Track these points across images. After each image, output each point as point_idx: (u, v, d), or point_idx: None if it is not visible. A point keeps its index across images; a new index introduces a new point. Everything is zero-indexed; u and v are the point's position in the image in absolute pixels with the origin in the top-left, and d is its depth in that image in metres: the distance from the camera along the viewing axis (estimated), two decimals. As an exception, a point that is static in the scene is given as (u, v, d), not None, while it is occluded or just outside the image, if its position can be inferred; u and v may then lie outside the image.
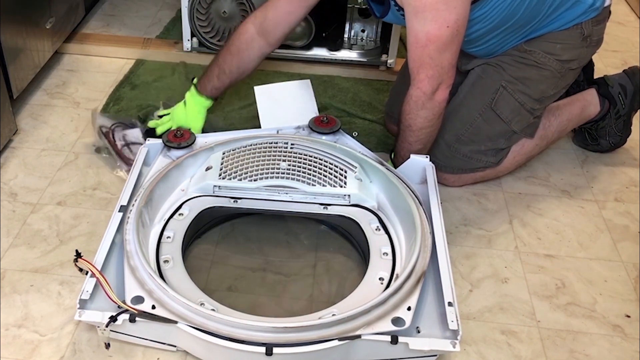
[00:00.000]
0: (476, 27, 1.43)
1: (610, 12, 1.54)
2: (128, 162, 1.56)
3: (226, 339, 1.07)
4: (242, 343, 1.07)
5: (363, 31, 2.06)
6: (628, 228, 1.54)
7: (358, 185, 1.40)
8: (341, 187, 1.39)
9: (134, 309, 1.09)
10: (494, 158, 1.59)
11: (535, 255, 1.45)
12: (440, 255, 1.22)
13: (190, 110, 1.61)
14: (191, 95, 1.61)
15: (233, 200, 1.39)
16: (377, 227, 1.34)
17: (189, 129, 1.51)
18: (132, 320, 1.09)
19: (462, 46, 1.56)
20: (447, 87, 1.40)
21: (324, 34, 2.01)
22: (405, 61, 1.79)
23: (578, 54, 1.51)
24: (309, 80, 1.68)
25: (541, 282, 1.38)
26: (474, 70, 1.58)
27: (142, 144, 1.59)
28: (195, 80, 1.63)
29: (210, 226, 1.44)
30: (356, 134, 1.62)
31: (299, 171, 1.41)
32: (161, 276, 1.19)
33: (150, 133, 1.62)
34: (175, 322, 1.09)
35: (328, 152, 1.46)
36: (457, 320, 1.10)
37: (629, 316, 1.32)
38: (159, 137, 1.51)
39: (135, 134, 1.63)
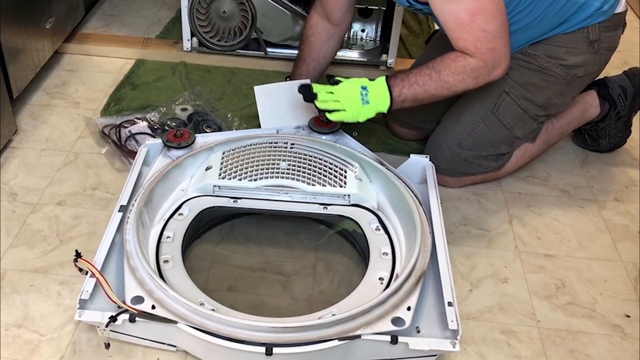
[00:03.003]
0: None
1: (625, 22, 1.51)
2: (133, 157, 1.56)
3: (226, 339, 1.07)
4: (242, 343, 1.07)
5: (363, 31, 2.06)
6: (628, 228, 1.54)
7: (358, 185, 1.40)
8: (341, 187, 1.39)
9: (133, 309, 1.09)
10: (495, 163, 1.58)
11: (535, 255, 1.45)
12: (440, 255, 1.22)
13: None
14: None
15: (233, 200, 1.39)
16: (377, 227, 1.34)
17: (189, 130, 1.51)
18: (132, 320, 1.09)
19: None
20: (505, 69, 1.35)
21: (324, 34, 2.00)
22: (414, 62, 1.80)
23: (584, 60, 1.48)
24: (308, 80, 1.68)
25: (541, 282, 1.38)
26: None
27: (147, 134, 1.63)
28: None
29: (210, 226, 1.43)
30: (356, 133, 1.62)
31: (298, 171, 1.41)
32: (161, 276, 1.19)
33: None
34: (175, 322, 1.09)
35: (328, 152, 1.46)
36: (457, 320, 1.10)
37: (628, 316, 1.32)
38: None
39: (140, 126, 1.66)
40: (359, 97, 1.35)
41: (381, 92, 1.36)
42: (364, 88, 1.36)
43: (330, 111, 1.37)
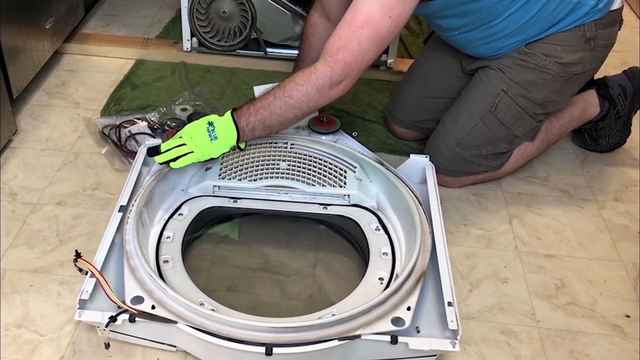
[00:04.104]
0: (463, 22, 1.43)
1: (622, 18, 1.51)
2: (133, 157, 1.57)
3: (226, 339, 1.07)
4: (241, 343, 1.07)
5: (363, 31, 2.05)
6: (628, 228, 1.54)
7: (358, 185, 1.40)
8: (341, 187, 1.39)
9: (133, 309, 1.09)
10: (495, 162, 1.58)
11: (535, 255, 1.45)
12: (440, 255, 1.22)
13: None
14: None
15: (233, 200, 1.39)
16: (377, 227, 1.34)
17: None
18: (131, 320, 1.09)
19: (460, 47, 1.57)
20: (351, 83, 1.33)
21: (323, 34, 2.00)
22: (413, 62, 1.80)
23: (581, 57, 1.47)
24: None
25: (541, 282, 1.38)
26: (477, 73, 1.57)
27: (147, 134, 1.63)
28: None
29: (210, 226, 1.43)
30: (355, 134, 1.62)
31: (298, 171, 1.41)
32: (161, 276, 1.19)
33: None
34: (175, 322, 1.09)
35: (328, 152, 1.46)
36: (456, 320, 1.10)
37: (628, 316, 1.32)
38: None
39: (140, 126, 1.66)
40: (206, 135, 1.33)
41: (227, 125, 1.33)
42: (210, 124, 1.34)
43: (174, 160, 1.32)
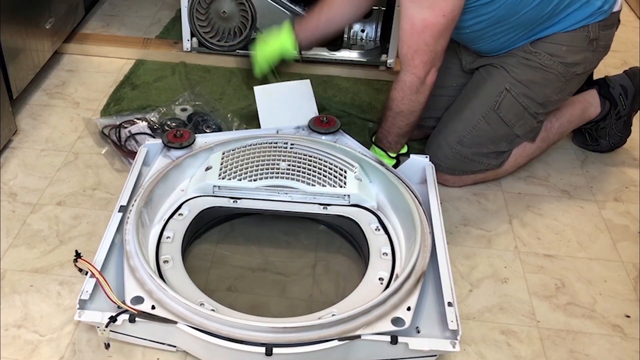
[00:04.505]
0: (478, 20, 1.44)
1: (619, 20, 1.52)
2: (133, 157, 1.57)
3: (226, 339, 1.07)
4: (241, 343, 1.07)
5: (363, 31, 2.05)
6: (628, 228, 1.54)
7: (358, 185, 1.39)
8: (341, 187, 1.39)
9: (133, 309, 1.09)
10: (495, 161, 1.58)
11: (535, 255, 1.45)
12: (440, 255, 1.22)
13: (277, 34, 1.74)
14: (286, 27, 1.73)
15: (233, 200, 1.39)
16: (377, 227, 1.34)
17: (189, 130, 1.51)
18: (131, 320, 1.09)
19: (466, 43, 1.57)
20: (438, 69, 1.45)
21: (323, 34, 2.00)
22: None
23: (584, 57, 1.49)
24: (308, 80, 1.68)
25: (541, 282, 1.38)
26: (479, 71, 1.57)
27: (147, 134, 1.63)
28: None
29: (210, 226, 1.43)
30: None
31: (298, 171, 1.41)
32: (161, 276, 1.19)
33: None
34: (175, 323, 1.09)
35: (328, 152, 1.46)
36: (456, 320, 1.10)
37: (628, 316, 1.32)
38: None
39: (140, 126, 1.66)
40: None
41: (380, 154, 1.57)
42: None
43: None
